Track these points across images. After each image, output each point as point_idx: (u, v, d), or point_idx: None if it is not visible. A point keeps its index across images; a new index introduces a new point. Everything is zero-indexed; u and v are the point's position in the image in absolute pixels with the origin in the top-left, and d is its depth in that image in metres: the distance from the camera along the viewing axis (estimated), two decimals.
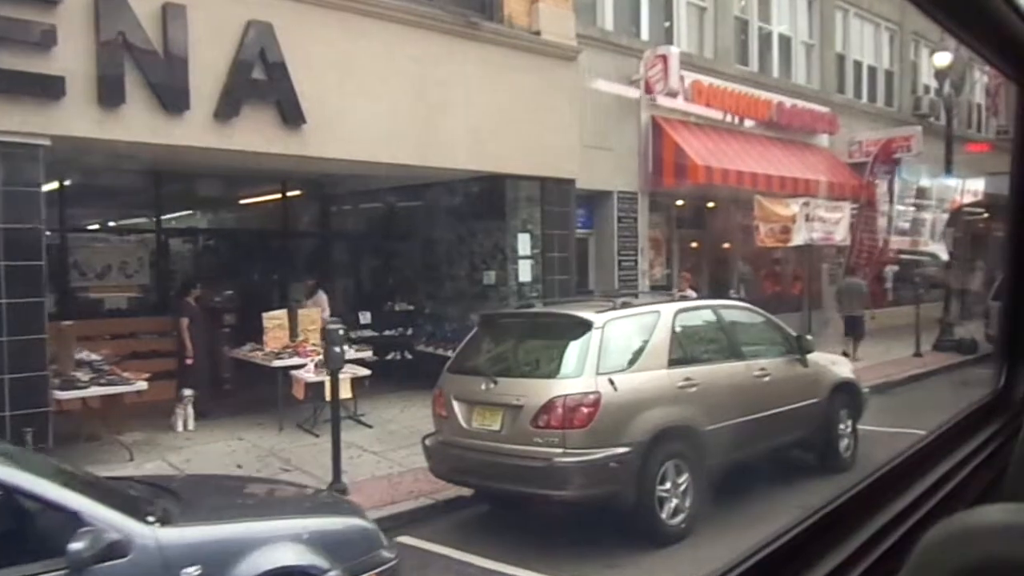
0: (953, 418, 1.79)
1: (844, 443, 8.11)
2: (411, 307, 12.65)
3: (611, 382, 5.91)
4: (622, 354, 6.22)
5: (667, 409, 6.24)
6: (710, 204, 17.07)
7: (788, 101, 17.31)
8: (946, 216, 19.49)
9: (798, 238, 16.42)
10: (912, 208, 18.43)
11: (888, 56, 21.91)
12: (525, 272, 11.73)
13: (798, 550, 1.25)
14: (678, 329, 6.67)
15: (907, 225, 18.35)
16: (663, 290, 15.86)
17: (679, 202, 16.30)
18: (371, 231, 14.19)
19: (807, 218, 16.64)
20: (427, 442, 6.79)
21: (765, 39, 17.97)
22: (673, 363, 6.44)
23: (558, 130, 11.88)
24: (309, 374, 9.31)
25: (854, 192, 17.75)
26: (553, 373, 6.19)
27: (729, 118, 16.12)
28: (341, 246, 14.50)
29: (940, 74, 17.08)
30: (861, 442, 8.84)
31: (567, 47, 12.03)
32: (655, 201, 15.44)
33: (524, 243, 11.74)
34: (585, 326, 6.15)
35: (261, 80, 8.73)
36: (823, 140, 18.76)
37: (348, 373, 9.41)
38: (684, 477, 6.27)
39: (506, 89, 11.12)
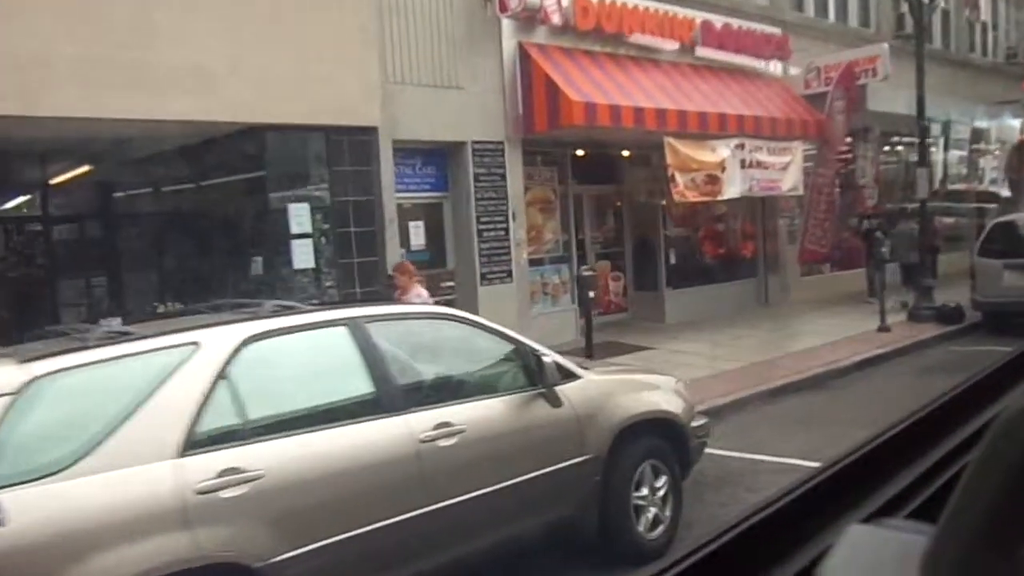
0: (1009, 354, 1.35)
1: (648, 516, 5.07)
2: (183, 309, 9.71)
3: None
4: (58, 441, 3.23)
5: (162, 540, 3.24)
6: (625, 152, 13.87)
7: (719, 20, 13.94)
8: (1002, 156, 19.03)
9: (731, 190, 13.17)
10: (964, 151, 17.59)
11: None
12: (303, 256, 8.72)
13: (828, 494, 1.02)
14: (238, 376, 3.65)
15: (964, 170, 17.78)
16: (560, 262, 12.89)
17: (579, 152, 13.13)
18: (160, 212, 11.25)
19: (743, 164, 13.39)
20: None
21: None
22: (201, 443, 3.44)
23: (346, 62, 8.83)
24: None
25: (806, 129, 14.39)
26: None
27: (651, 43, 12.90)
28: (129, 232, 11.58)
29: None
30: (739, 482, 6.12)
31: None
32: (537, 152, 12.31)
33: (300, 216, 8.73)
34: None
35: None
36: (776, 68, 15.35)
37: None
38: None
39: (254, 4, 8.10)
